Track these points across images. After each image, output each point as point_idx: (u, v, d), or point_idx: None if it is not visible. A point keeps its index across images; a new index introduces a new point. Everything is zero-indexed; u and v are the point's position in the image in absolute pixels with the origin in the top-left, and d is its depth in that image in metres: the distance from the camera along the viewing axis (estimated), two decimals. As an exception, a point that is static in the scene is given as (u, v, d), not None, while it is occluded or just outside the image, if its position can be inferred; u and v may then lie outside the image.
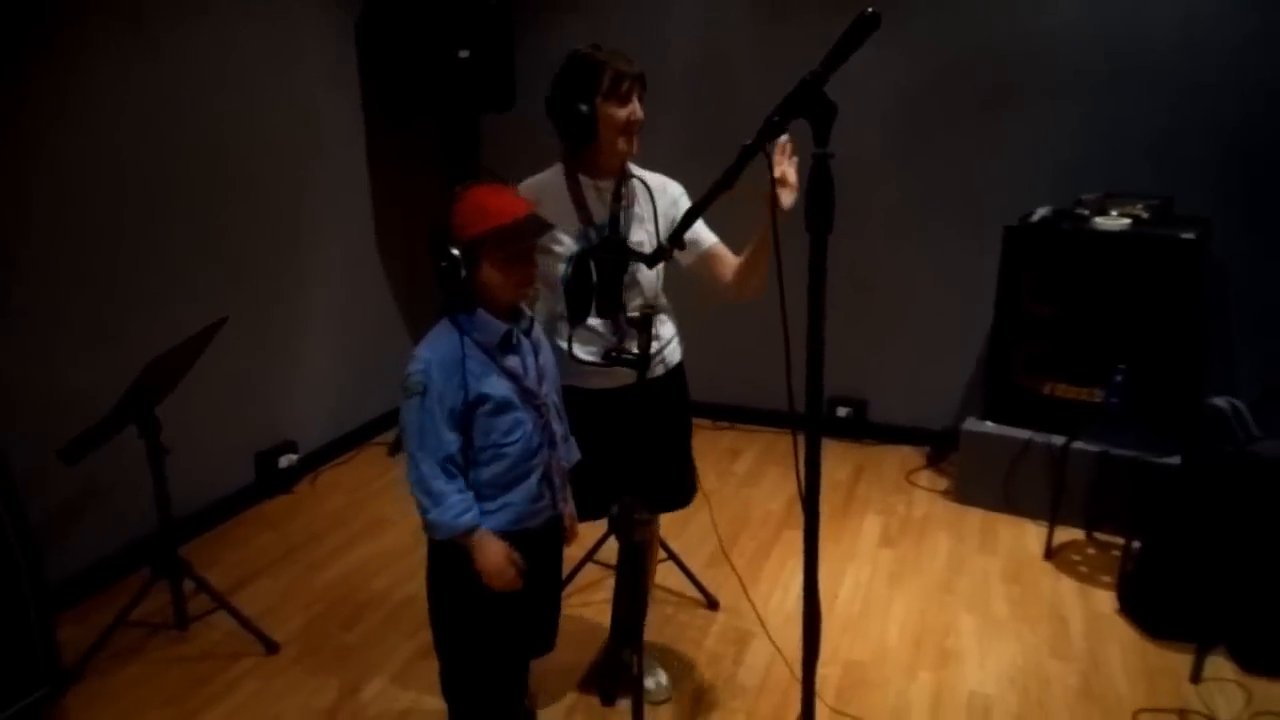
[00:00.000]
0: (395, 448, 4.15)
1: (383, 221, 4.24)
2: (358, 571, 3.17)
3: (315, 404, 3.96)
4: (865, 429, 4.30)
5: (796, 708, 2.42)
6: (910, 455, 4.13)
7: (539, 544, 1.92)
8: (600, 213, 2.07)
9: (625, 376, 2.06)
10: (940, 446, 4.09)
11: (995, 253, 3.52)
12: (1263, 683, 2.53)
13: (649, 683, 2.45)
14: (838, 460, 4.06)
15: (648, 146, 4.45)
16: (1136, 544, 3.00)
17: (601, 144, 2.05)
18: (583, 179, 2.11)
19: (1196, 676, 2.55)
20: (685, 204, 2.15)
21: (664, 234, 2.03)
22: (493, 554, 1.79)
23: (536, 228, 1.76)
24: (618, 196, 1.89)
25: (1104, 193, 3.48)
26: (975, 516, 3.54)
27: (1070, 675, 2.58)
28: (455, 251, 1.70)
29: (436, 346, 1.75)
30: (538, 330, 1.91)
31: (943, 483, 3.84)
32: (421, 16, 3.81)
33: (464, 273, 1.70)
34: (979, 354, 4.02)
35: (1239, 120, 3.43)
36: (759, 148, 1.53)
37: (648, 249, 1.87)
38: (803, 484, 1.64)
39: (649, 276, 2.10)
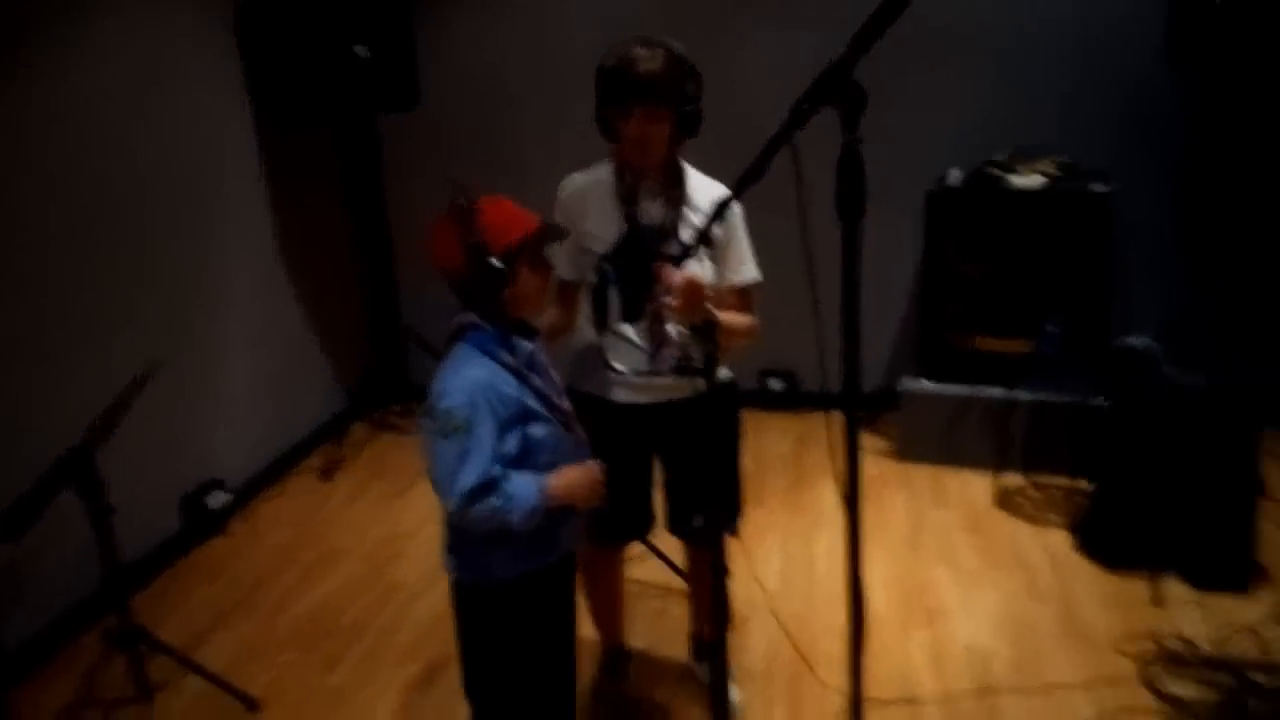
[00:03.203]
0: (327, 471, 3.94)
1: (286, 237, 3.98)
2: (323, 609, 3.00)
3: (238, 436, 3.71)
4: (799, 399, 4.38)
5: (808, 687, 2.48)
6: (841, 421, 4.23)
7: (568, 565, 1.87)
8: (651, 214, 1.98)
9: (663, 390, 2.00)
10: (873, 408, 4.22)
11: (909, 215, 3.65)
12: (1214, 597, 2.74)
13: (733, 694, 2.38)
14: (780, 434, 4.13)
15: (556, 132, 4.37)
16: (1083, 484, 3.18)
17: (624, 150, 1.96)
18: (628, 177, 2.00)
19: (1158, 600, 2.74)
20: (737, 215, 2.06)
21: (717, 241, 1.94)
22: (576, 481, 1.71)
23: (559, 229, 1.71)
24: (642, 197, 1.82)
25: (1011, 152, 3.64)
26: (922, 472, 3.68)
27: (1049, 617, 2.73)
28: (498, 263, 1.61)
29: (468, 374, 1.64)
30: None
31: (882, 443, 3.96)
32: (306, 12, 3.57)
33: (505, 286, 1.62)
34: (901, 315, 4.16)
35: (1130, 78, 3.66)
36: (787, 137, 1.51)
37: (698, 257, 1.77)
38: (844, 479, 1.66)
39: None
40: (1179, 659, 2.47)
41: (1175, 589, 2.79)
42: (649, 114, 1.87)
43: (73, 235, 2.89)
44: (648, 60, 1.85)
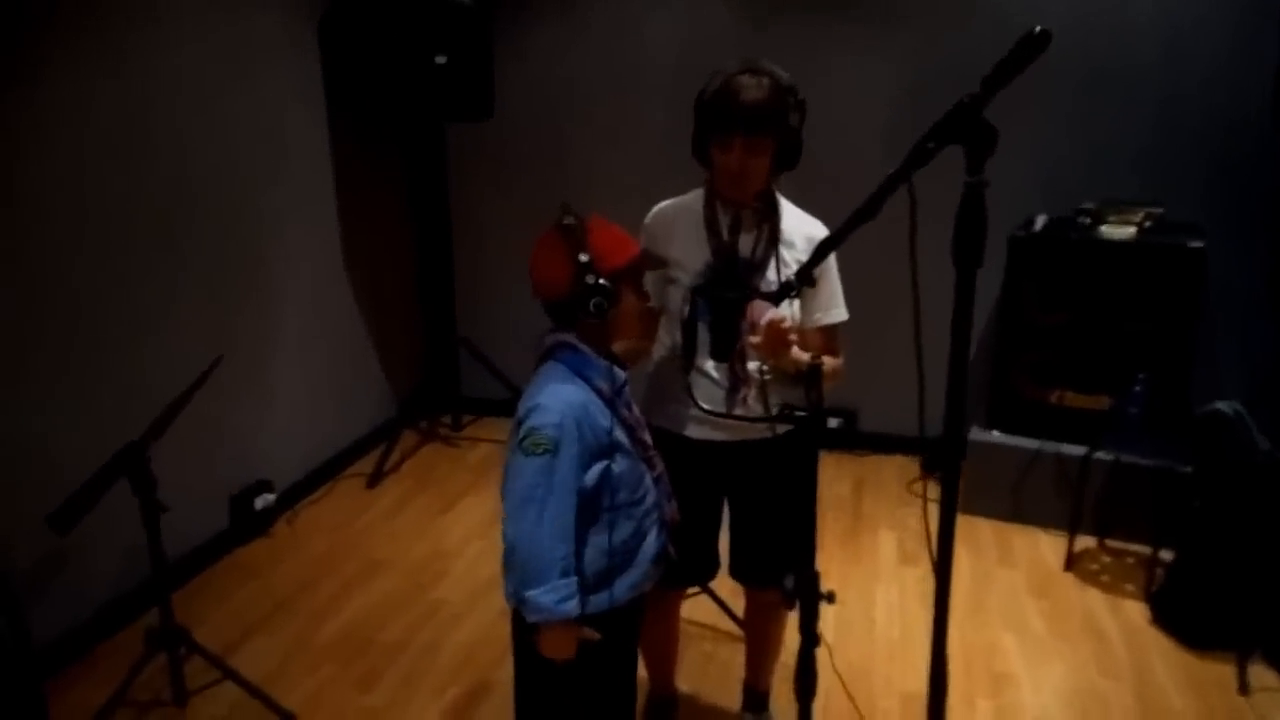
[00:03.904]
0: (374, 479, 3.89)
1: (350, 241, 3.96)
2: (363, 622, 2.92)
3: (288, 438, 3.67)
4: (857, 439, 4.25)
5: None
6: (906, 464, 4.10)
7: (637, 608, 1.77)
8: (742, 245, 1.89)
9: (742, 429, 1.91)
10: (933, 455, 4.07)
11: (988, 260, 3.50)
12: (1308, 689, 2.56)
13: None
14: (835, 473, 4.00)
15: (624, 152, 4.32)
16: (1164, 554, 3.01)
17: (717, 176, 1.88)
18: (720, 207, 1.91)
19: (1244, 687, 2.57)
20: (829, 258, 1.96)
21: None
22: (564, 637, 1.63)
23: (659, 258, 1.64)
24: (736, 229, 1.74)
25: (1101, 201, 3.50)
26: (986, 527, 3.52)
27: (1124, 694, 2.57)
28: (604, 282, 1.54)
29: (563, 395, 1.56)
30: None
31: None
32: (391, 20, 3.57)
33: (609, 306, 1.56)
34: (972, 361, 4.01)
35: (1220, 129, 3.51)
36: (907, 176, 1.42)
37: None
38: (934, 550, 1.56)
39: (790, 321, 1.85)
40: (1268, 754, 2.30)
41: (1262, 675, 2.62)
42: (750, 145, 1.78)
43: (139, 227, 2.87)
44: (752, 89, 1.76)
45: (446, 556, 3.32)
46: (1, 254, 2.45)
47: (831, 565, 3.26)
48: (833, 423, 4.25)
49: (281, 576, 3.19)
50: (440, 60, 3.59)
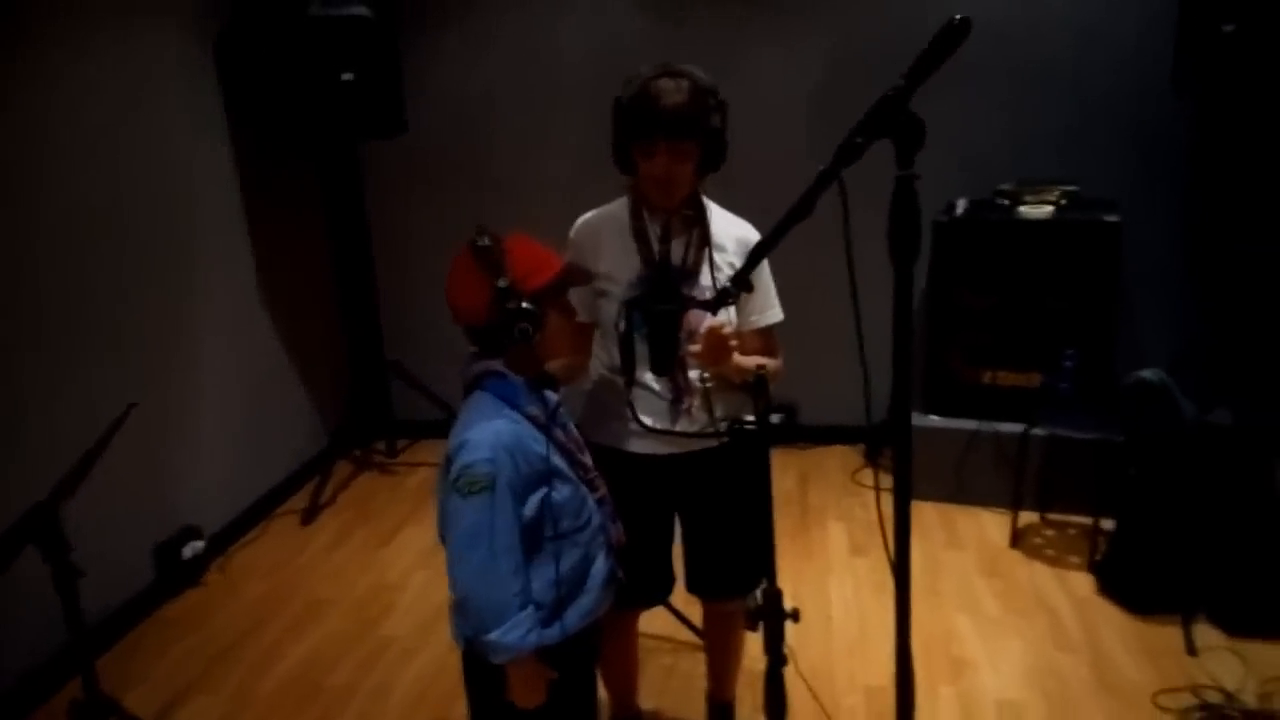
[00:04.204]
0: (309, 515, 3.74)
1: (265, 268, 3.80)
2: (309, 667, 2.80)
3: (214, 481, 3.50)
4: (798, 432, 4.25)
5: (831, 742, 2.33)
6: (848, 454, 4.12)
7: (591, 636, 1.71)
8: (673, 252, 1.84)
9: (685, 440, 1.87)
10: (875, 443, 4.10)
11: (912, 246, 3.53)
12: (1252, 645, 2.63)
13: None
14: (780, 468, 3.98)
15: (545, 161, 4.25)
16: (1105, 523, 3.07)
17: (643, 183, 1.82)
18: (647, 215, 1.85)
19: (1191, 649, 2.62)
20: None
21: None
22: (535, 676, 1.58)
23: (585, 271, 1.58)
24: (666, 238, 1.68)
25: (1018, 182, 3.56)
26: (930, 510, 3.55)
27: (1080, 667, 2.60)
28: (527, 305, 1.47)
29: (493, 427, 1.49)
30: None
31: (887, 479, 3.81)
32: (291, 38, 3.43)
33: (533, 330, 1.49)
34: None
35: (1130, 106, 3.60)
36: (837, 173, 1.39)
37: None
38: (890, 547, 1.54)
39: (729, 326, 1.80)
40: (1223, 714, 2.35)
41: (1208, 635, 2.68)
42: (674, 149, 1.73)
43: (34, 265, 2.70)
44: (672, 92, 1.71)
45: (391, 590, 3.20)
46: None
47: (783, 561, 3.17)
48: (775, 419, 4.24)
49: (218, 627, 3.03)
50: (347, 77, 3.46)
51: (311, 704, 2.62)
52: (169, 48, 3.28)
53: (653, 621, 2.75)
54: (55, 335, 2.76)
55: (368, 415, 4.35)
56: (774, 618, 1.37)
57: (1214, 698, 2.40)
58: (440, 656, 2.76)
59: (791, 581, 3.12)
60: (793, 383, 4.07)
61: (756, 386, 1.42)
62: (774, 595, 1.38)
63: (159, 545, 3.20)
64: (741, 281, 1.49)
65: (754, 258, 1.49)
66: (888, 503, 3.84)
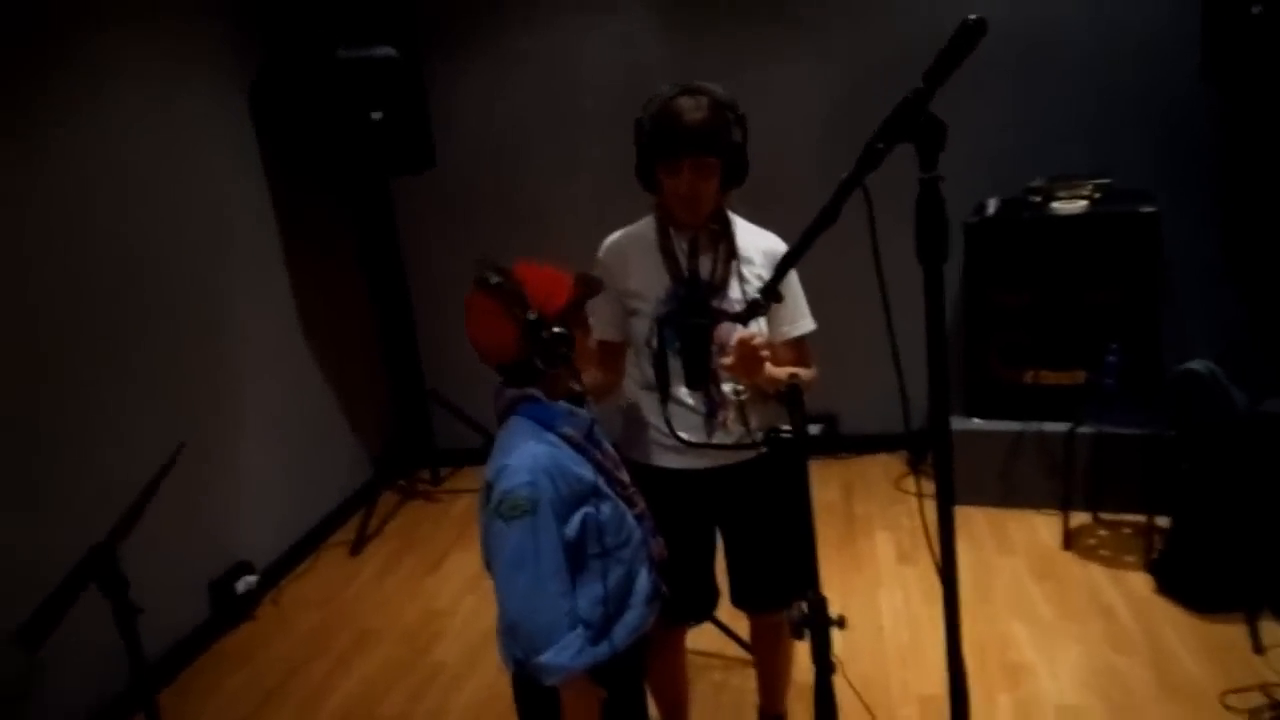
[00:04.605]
0: (357, 546, 3.79)
1: (304, 304, 3.88)
2: (361, 698, 2.82)
3: (264, 516, 3.56)
4: (839, 442, 4.22)
5: (885, 755, 2.30)
6: (890, 462, 4.08)
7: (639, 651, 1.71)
8: (700, 267, 1.85)
9: (721, 454, 1.87)
10: (918, 449, 4.05)
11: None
12: (1321, 640, 2.55)
13: None
14: (823, 479, 3.96)
15: (573, 187, 4.27)
16: (1159, 520, 3.00)
17: (668, 201, 1.84)
18: (674, 232, 1.88)
19: (1258, 647, 2.55)
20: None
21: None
22: (588, 697, 1.57)
23: (595, 280, 1.62)
24: (694, 253, 1.70)
25: (1049, 178, 3.52)
26: (978, 515, 3.50)
27: (1140, 667, 2.54)
28: (559, 329, 1.48)
29: (531, 451, 1.50)
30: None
31: (932, 486, 3.77)
32: (321, 81, 3.52)
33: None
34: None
35: (1157, 95, 3.55)
36: (860, 179, 1.39)
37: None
38: (937, 554, 1.52)
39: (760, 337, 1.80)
40: (1294, 712, 2.27)
41: (1275, 631, 2.60)
42: (697, 166, 1.75)
43: (84, 311, 2.78)
44: (693, 110, 1.73)
45: (440, 616, 3.23)
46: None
47: (831, 573, 3.20)
48: (814, 429, 4.22)
49: (271, 660, 3.08)
50: (376, 116, 3.54)
51: (366, 733, 2.65)
52: (206, 95, 3.38)
53: (701, 638, 2.74)
54: (103, 377, 2.84)
55: (410, 445, 4.41)
56: (819, 625, 1.36)
57: (1284, 696, 2.33)
58: (491, 681, 2.77)
59: (840, 593, 3.10)
60: (833, 393, 4.09)
61: (790, 396, 1.42)
62: (818, 603, 1.37)
63: (214, 581, 3.26)
64: (771, 292, 1.50)
65: (782, 268, 1.49)
66: (932, 509, 3.81)
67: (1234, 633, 2.61)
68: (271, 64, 3.66)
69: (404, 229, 4.39)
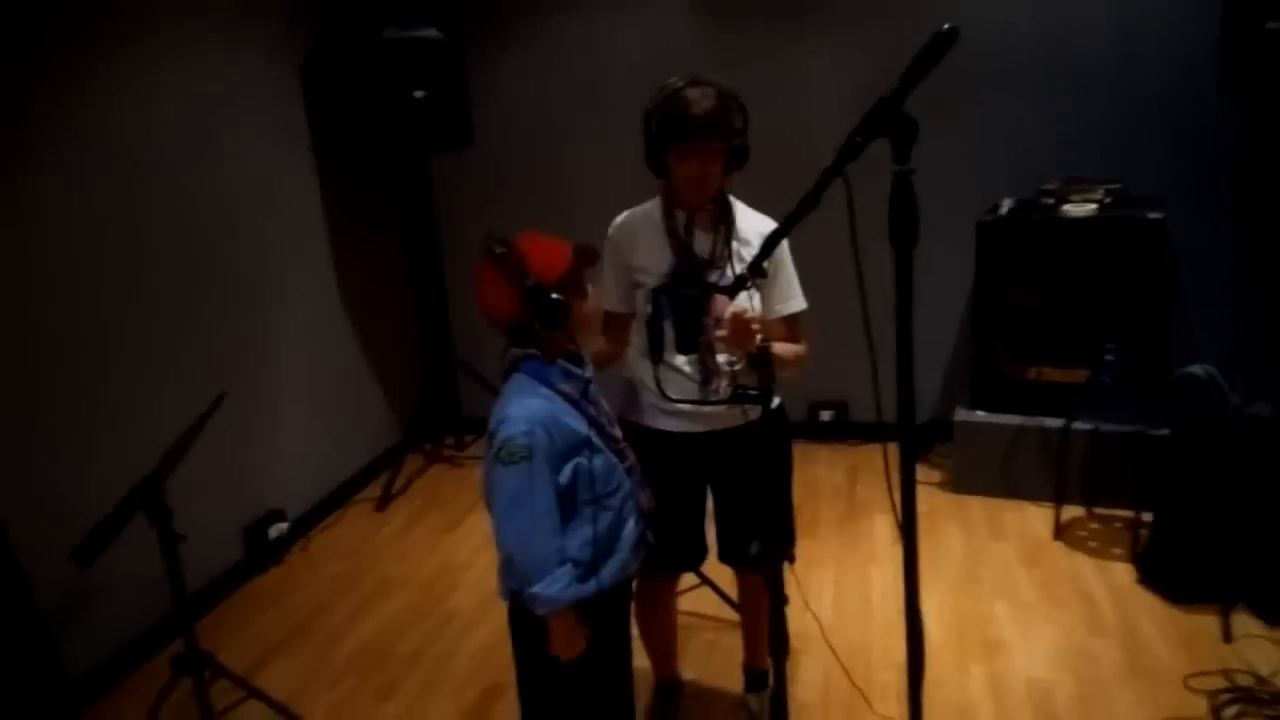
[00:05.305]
0: (383, 503, 4.01)
1: (344, 275, 4.10)
2: (379, 637, 3.04)
3: (298, 468, 3.79)
4: (849, 430, 4.36)
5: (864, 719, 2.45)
6: (896, 451, 4.19)
7: (623, 593, 1.89)
8: (699, 247, 2.02)
9: (713, 419, 2.03)
10: (926, 439, 4.18)
11: (961, 246, 3.63)
12: (1290, 634, 2.65)
13: None
14: (830, 464, 4.11)
15: (604, 167, 4.43)
16: (1143, 515, 3.11)
17: (676, 183, 2.00)
18: (679, 212, 2.04)
19: (1228, 636, 2.66)
20: (783, 246, 2.06)
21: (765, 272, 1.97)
22: (574, 628, 1.75)
23: (592, 249, 1.78)
24: (693, 231, 1.86)
25: (1063, 181, 3.62)
26: (977, 504, 3.62)
27: (1113, 650, 2.66)
28: (556, 296, 1.65)
29: (529, 404, 1.69)
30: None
31: (936, 474, 3.91)
32: (369, 60, 3.72)
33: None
34: (954, 345, 4.13)
35: (1175, 103, 3.63)
36: (840, 169, 1.53)
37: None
38: (898, 509, 1.66)
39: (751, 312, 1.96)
40: (1253, 697, 2.39)
41: (1245, 623, 2.71)
42: (705, 151, 1.91)
43: (137, 273, 3.01)
44: (700, 100, 1.89)
45: (456, 570, 3.43)
46: (15, 308, 2.60)
47: (829, 550, 3.37)
48: (825, 415, 4.37)
49: (298, 601, 3.30)
50: (419, 95, 3.73)
51: (380, 669, 2.85)
52: (259, 73, 3.60)
53: (699, 602, 2.92)
54: (156, 337, 3.06)
55: (438, 412, 4.62)
56: (772, 560, 1.52)
57: (1245, 681, 2.45)
58: (499, 627, 2.90)
59: (835, 569, 3.25)
60: (844, 381, 4.24)
61: (758, 358, 1.58)
62: (773, 540, 1.53)
63: (248, 527, 3.50)
64: (756, 268, 1.65)
65: (767, 247, 1.65)
66: (928, 496, 4.00)
67: (1207, 623, 2.73)
68: (322, 44, 3.86)
69: (442, 206, 4.58)
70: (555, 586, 1.69)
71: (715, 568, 2.88)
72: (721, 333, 1.89)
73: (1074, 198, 3.50)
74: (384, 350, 4.39)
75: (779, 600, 1.58)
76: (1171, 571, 2.92)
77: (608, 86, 4.21)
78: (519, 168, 4.42)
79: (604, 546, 1.78)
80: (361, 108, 3.77)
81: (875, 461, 4.11)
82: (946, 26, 1.41)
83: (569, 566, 1.72)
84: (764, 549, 1.54)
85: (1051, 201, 3.54)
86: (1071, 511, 3.44)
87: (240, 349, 3.47)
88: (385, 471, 4.21)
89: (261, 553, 3.52)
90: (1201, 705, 2.39)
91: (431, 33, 3.74)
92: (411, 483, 4.22)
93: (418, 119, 3.75)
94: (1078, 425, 3.32)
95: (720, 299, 1.93)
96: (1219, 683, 2.45)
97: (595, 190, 4.31)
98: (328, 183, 3.98)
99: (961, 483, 3.73)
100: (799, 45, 4.00)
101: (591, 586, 1.77)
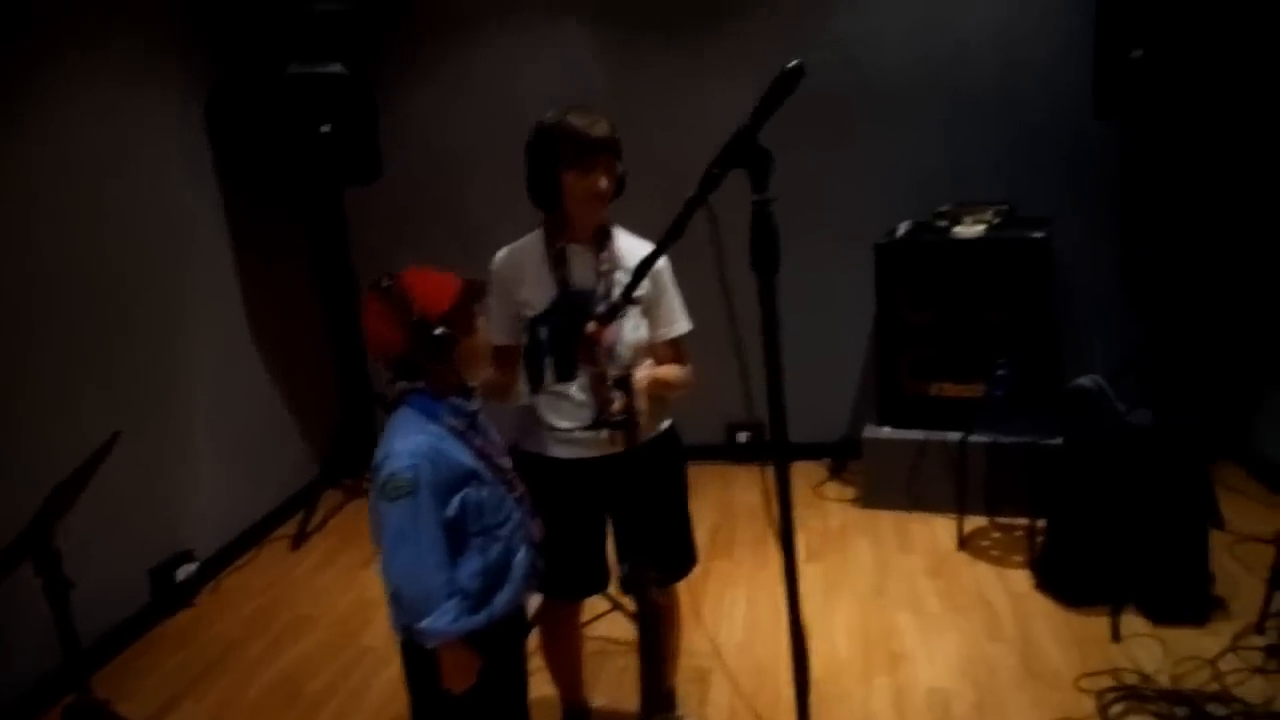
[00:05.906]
0: (298, 540, 3.95)
1: (255, 309, 4.06)
2: (291, 676, 2.99)
3: (208, 508, 3.72)
4: (766, 450, 4.42)
5: (769, 739, 2.49)
6: (813, 469, 4.29)
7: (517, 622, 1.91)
8: (583, 277, 2.06)
9: (606, 445, 2.07)
10: (839, 457, 4.28)
11: (862, 268, 3.75)
12: (1172, 631, 2.77)
13: None
14: (746, 486, 4.17)
15: (514, 200, 4.47)
16: (1040, 523, 3.24)
17: (569, 212, 2.05)
18: (565, 245, 2.08)
19: (1117, 636, 2.78)
20: (664, 272, 2.15)
21: (647, 297, 2.04)
22: (465, 660, 1.77)
23: (481, 285, 1.81)
24: (571, 260, 1.90)
25: (956, 204, 3.77)
26: (886, 519, 3.72)
27: (1010, 656, 2.76)
28: (440, 330, 1.67)
29: (414, 439, 1.70)
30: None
31: (849, 491, 4.01)
32: (274, 95, 3.71)
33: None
34: (861, 364, 4.25)
35: (1057, 127, 3.83)
36: (703, 199, 1.60)
37: (630, 314, 1.86)
38: (777, 522, 1.72)
39: (628, 339, 2.05)
40: (1138, 694, 2.49)
41: (1134, 623, 2.82)
42: (609, 165, 1.99)
43: (42, 309, 2.95)
44: (593, 123, 1.98)
45: (372, 606, 3.39)
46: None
47: (742, 569, 3.42)
48: (742, 437, 4.44)
49: (207, 642, 3.23)
50: (325, 129, 3.74)
51: (291, 707, 2.81)
52: (161, 107, 3.57)
53: (612, 627, 2.94)
54: (53, 371, 3.00)
55: (356, 446, 4.57)
56: (641, 577, 1.55)
57: (1132, 679, 2.55)
58: None
59: (749, 588, 3.31)
60: (760, 403, 4.29)
61: (621, 382, 1.63)
62: (641, 561, 1.57)
63: (154, 569, 3.41)
64: (628, 296, 1.70)
65: (637, 276, 1.70)
66: (840, 512, 4.07)
67: (1098, 624, 2.84)
68: (226, 79, 3.84)
69: (355, 237, 4.58)
70: (444, 619, 1.70)
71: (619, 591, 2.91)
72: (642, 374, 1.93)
73: (965, 220, 3.65)
74: (299, 385, 4.34)
75: (649, 620, 1.61)
76: (1065, 576, 3.04)
77: (515, 120, 4.22)
78: (430, 200, 4.44)
79: (495, 577, 1.79)
80: (267, 142, 3.75)
81: (792, 481, 4.18)
82: (793, 64, 1.50)
83: (458, 599, 1.73)
84: (632, 570, 1.58)
85: (945, 224, 3.68)
86: (975, 522, 3.56)
87: (147, 387, 3.41)
88: (302, 509, 4.16)
89: (169, 595, 3.44)
90: (1090, 705, 2.48)
91: (336, 68, 3.76)
92: (329, 519, 4.17)
93: (325, 153, 3.75)
94: (975, 438, 3.44)
95: (610, 328, 1.97)
96: (1107, 682, 2.55)
97: (505, 222, 4.30)
98: (235, 217, 3.95)
99: (872, 498, 3.82)
100: (699, 77, 4.11)
101: (482, 617, 1.78)
